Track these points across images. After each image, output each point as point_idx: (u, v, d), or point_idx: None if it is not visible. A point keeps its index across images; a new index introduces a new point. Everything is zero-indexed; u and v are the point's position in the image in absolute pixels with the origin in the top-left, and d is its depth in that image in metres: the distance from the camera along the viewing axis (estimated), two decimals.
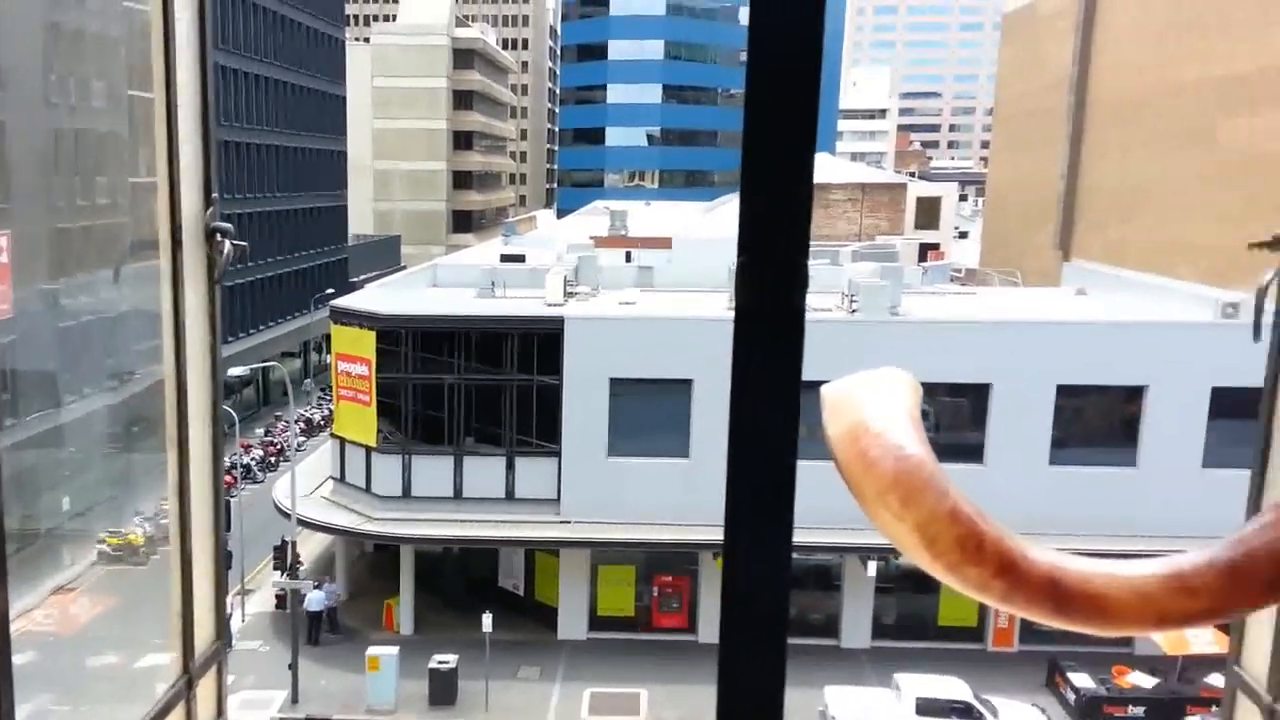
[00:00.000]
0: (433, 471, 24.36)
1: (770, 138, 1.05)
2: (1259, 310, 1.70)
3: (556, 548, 25.02)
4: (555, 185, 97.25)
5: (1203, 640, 19.37)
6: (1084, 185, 33.69)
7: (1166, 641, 20.01)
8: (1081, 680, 21.69)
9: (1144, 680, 21.61)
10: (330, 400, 31.71)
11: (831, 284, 25.46)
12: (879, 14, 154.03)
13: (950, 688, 20.62)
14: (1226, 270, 23.07)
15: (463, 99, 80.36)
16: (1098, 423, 24.25)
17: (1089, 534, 21.53)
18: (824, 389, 0.97)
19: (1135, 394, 23.16)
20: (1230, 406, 21.04)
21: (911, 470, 0.93)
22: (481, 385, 24.31)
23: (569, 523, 24.20)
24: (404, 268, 49.06)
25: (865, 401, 0.97)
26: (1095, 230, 32.76)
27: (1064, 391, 23.33)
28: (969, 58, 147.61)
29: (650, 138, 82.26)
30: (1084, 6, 32.04)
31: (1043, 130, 36.30)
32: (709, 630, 24.26)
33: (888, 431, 0.94)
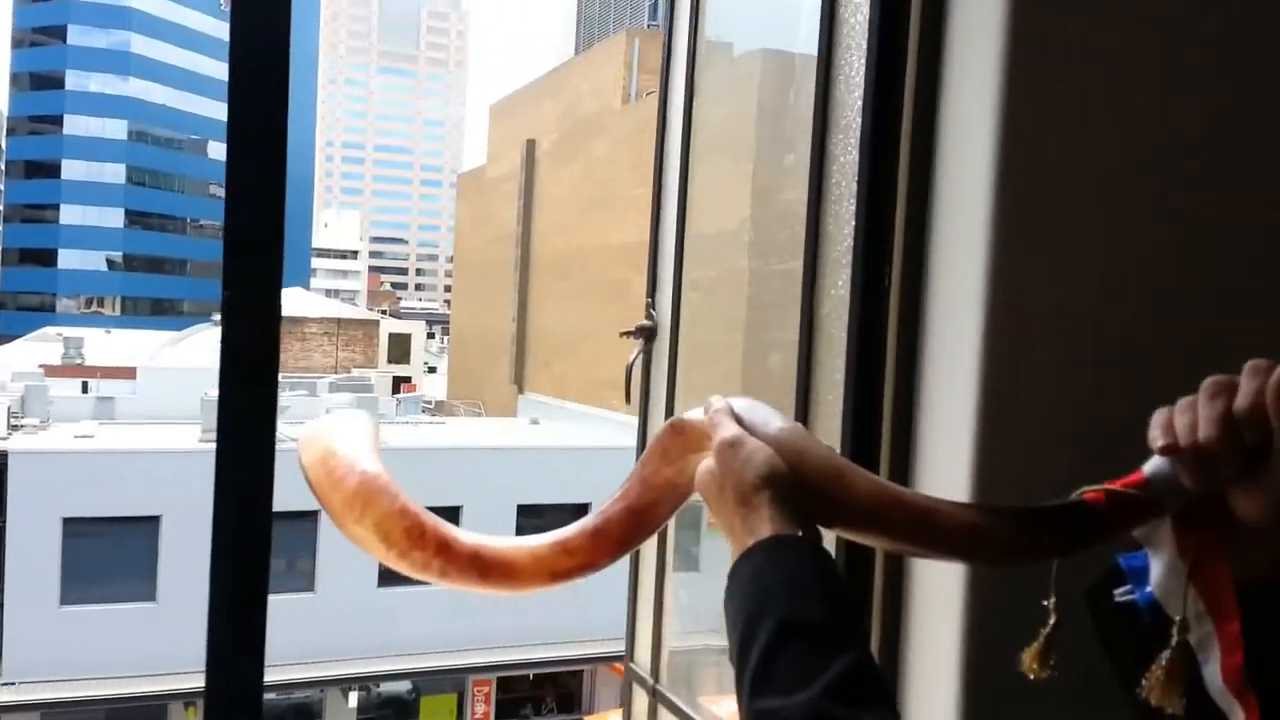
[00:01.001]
0: None
1: (245, 266, 1.14)
2: (629, 379, 2.24)
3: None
4: None
5: None
6: (532, 327, 36.67)
7: None
8: None
9: None
10: None
11: (309, 414, 25.03)
12: (346, 162, 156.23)
13: None
14: None
15: None
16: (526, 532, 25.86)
17: (547, 642, 22.71)
18: (299, 430, 1.08)
19: (581, 510, 25.21)
20: None
21: (370, 481, 1.04)
22: None
23: (13, 684, 20.79)
24: None
25: (333, 434, 1.10)
26: (543, 367, 35.71)
27: (524, 511, 24.83)
28: (430, 209, 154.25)
29: (111, 262, 75.22)
30: (524, 176, 35.44)
31: (496, 278, 39.03)
32: None
33: (351, 455, 1.07)
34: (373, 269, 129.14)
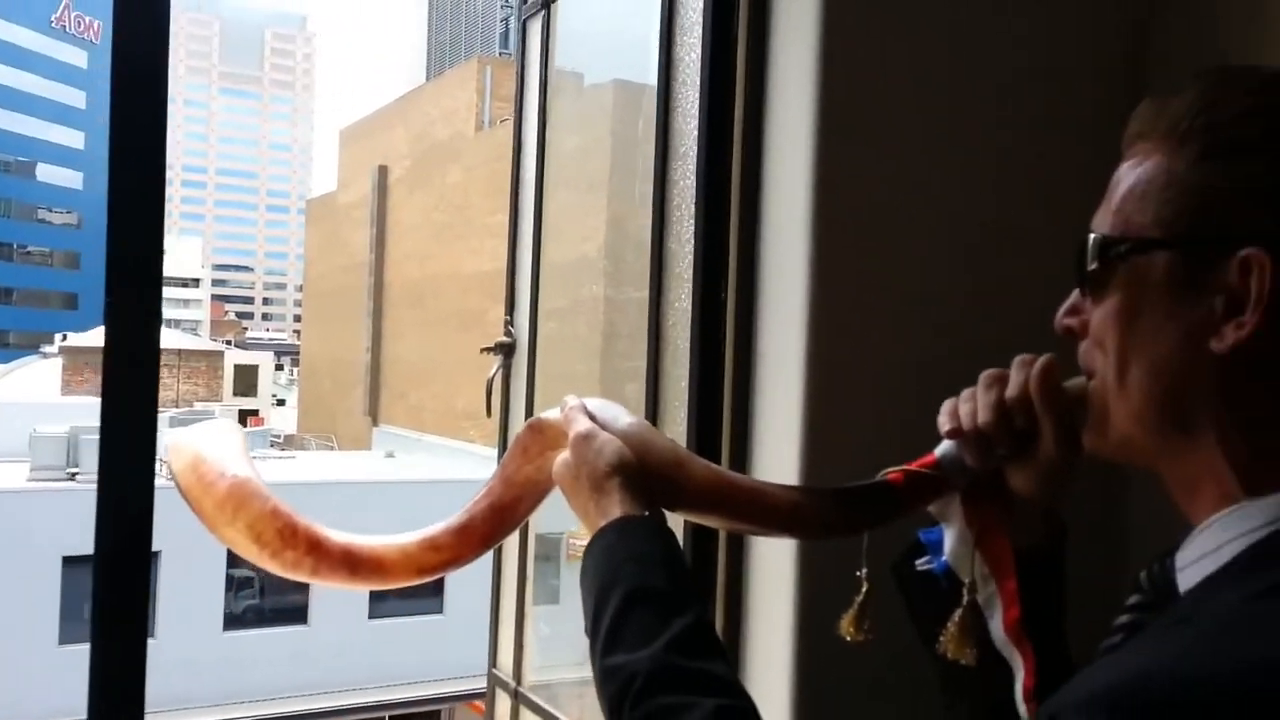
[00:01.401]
0: None
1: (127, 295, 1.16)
2: (489, 394, 2.30)
3: None
4: None
5: None
6: (387, 357, 35.95)
7: None
8: None
9: None
10: None
11: None
12: (187, 186, 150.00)
13: None
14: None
15: None
16: None
17: (406, 682, 22.16)
18: (169, 438, 1.10)
19: None
20: None
21: (241, 484, 1.06)
22: None
23: None
24: None
25: (201, 441, 1.12)
26: (398, 398, 35.01)
27: None
28: (278, 236, 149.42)
29: None
30: (376, 202, 34.85)
31: (348, 306, 38.14)
32: None
33: (221, 460, 1.08)
34: (216, 298, 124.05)
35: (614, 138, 2.52)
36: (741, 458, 1.44)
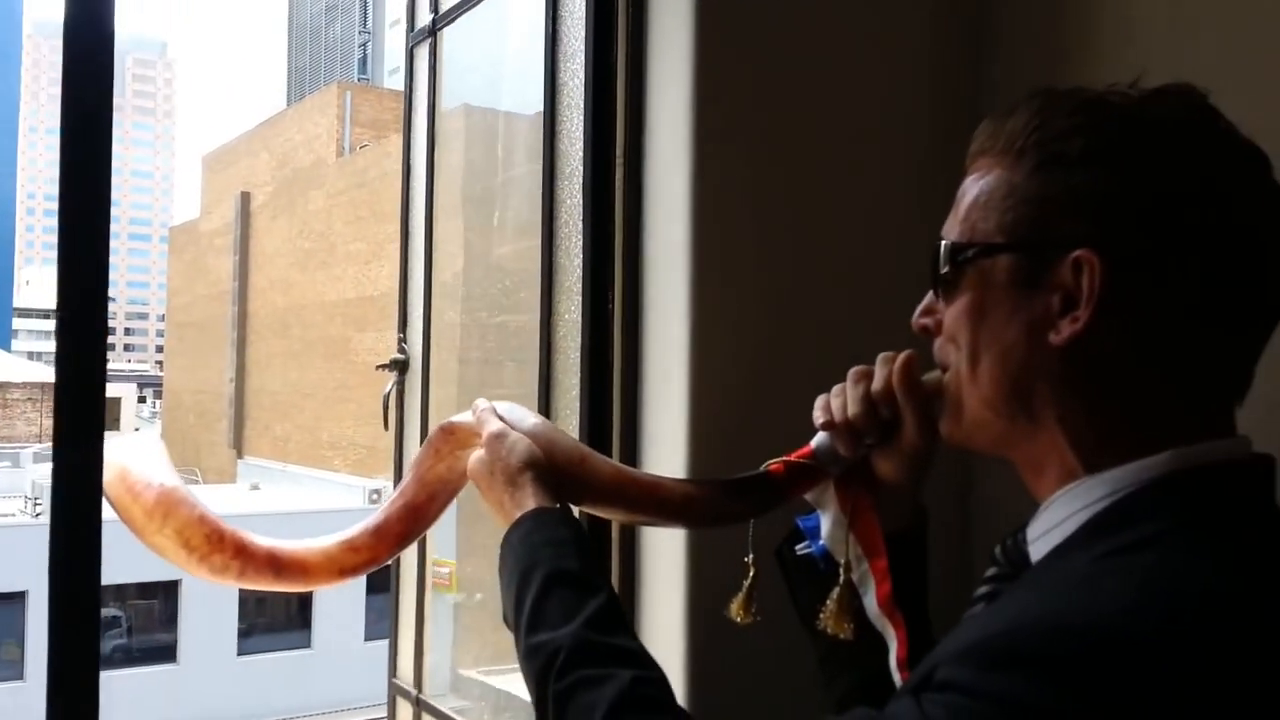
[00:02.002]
0: None
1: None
2: (386, 409, 2.32)
3: None
4: None
5: None
6: (251, 388, 34.80)
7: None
8: None
9: None
10: None
11: (12, 488, 22.52)
12: (49, 216, 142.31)
13: None
14: (368, 460, 25.72)
15: None
16: (278, 609, 24.63)
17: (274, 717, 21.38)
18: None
19: None
20: (376, 583, 22.85)
21: (169, 492, 1.10)
22: None
23: None
24: None
25: (127, 454, 1.15)
26: (263, 429, 33.91)
27: None
28: (140, 265, 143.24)
29: None
30: (239, 229, 33.81)
31: (212, 336, 36.83)
32: None
33: (147, 471, 1.12)
34: None
35: (467, 164, 2.53)
36: (632, 457, 1.52)
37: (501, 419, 1.15)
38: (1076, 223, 0.85)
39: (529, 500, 1.07)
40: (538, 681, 0.95)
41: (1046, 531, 0.89)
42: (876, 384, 1.08)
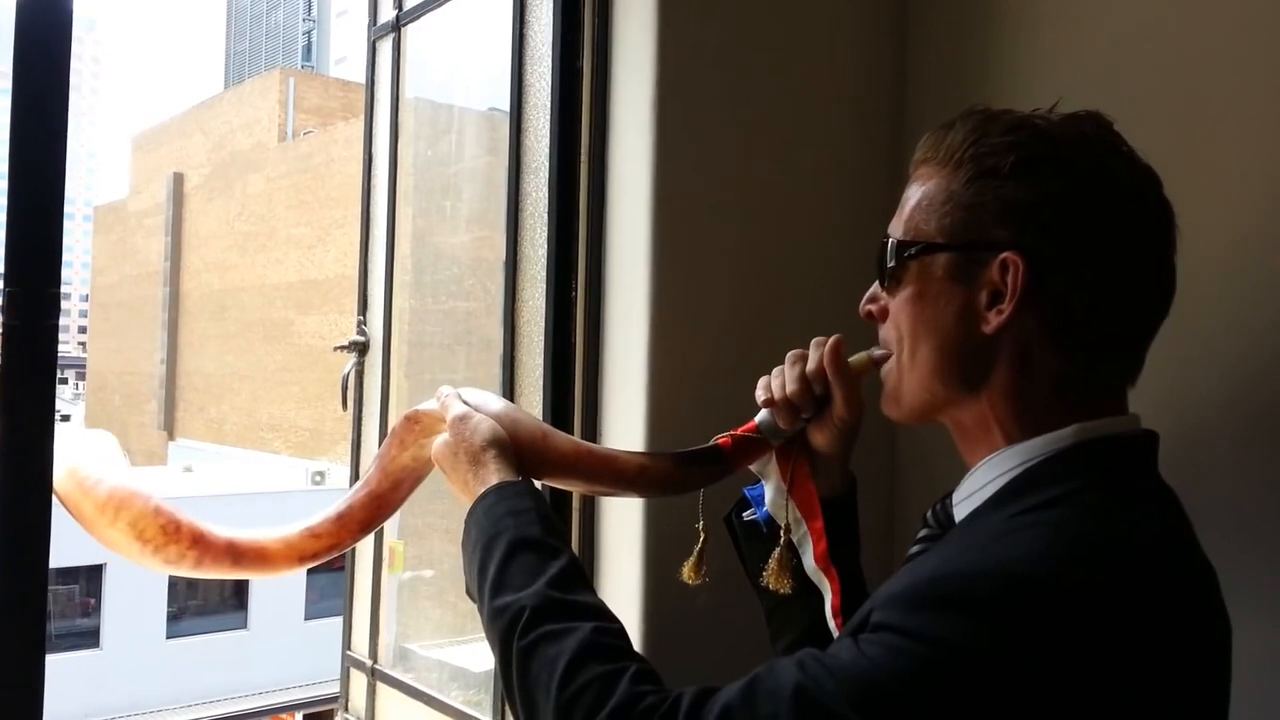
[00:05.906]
0: None
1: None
2: (344, 389, 2.31)
3: None
4: None
5: None
6: (184, 370, 34.02)
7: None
8: None
9: None
10: None
11: None
12: None
13: None
14: (311, 443, 25.32)
15: None
16: (211, 591, 24.17)
17: (207, 701, 21.02)
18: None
19: None
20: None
21: (120, 486, 1.08)
22: None
23: None
24: None
25: (77, 449, 1.12)
26: (196, 411, 33.19)
27: None
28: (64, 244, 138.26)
29: None
30: (171, 210, 32.99)
31: (141, 318, 35.90)
32: None
33: (98, 466, 1.10)
34: None
35: (416, 155, 2.56)
36: (593, 435, 1.60)
37: (466, 404, 1.19)
38: (1005, 228, 0.97)
39: (492, 476, 1.11)
40: (502, 641, 0.98)
41: (969, 495, 1.01)
42: (810, 364, 1.18)
